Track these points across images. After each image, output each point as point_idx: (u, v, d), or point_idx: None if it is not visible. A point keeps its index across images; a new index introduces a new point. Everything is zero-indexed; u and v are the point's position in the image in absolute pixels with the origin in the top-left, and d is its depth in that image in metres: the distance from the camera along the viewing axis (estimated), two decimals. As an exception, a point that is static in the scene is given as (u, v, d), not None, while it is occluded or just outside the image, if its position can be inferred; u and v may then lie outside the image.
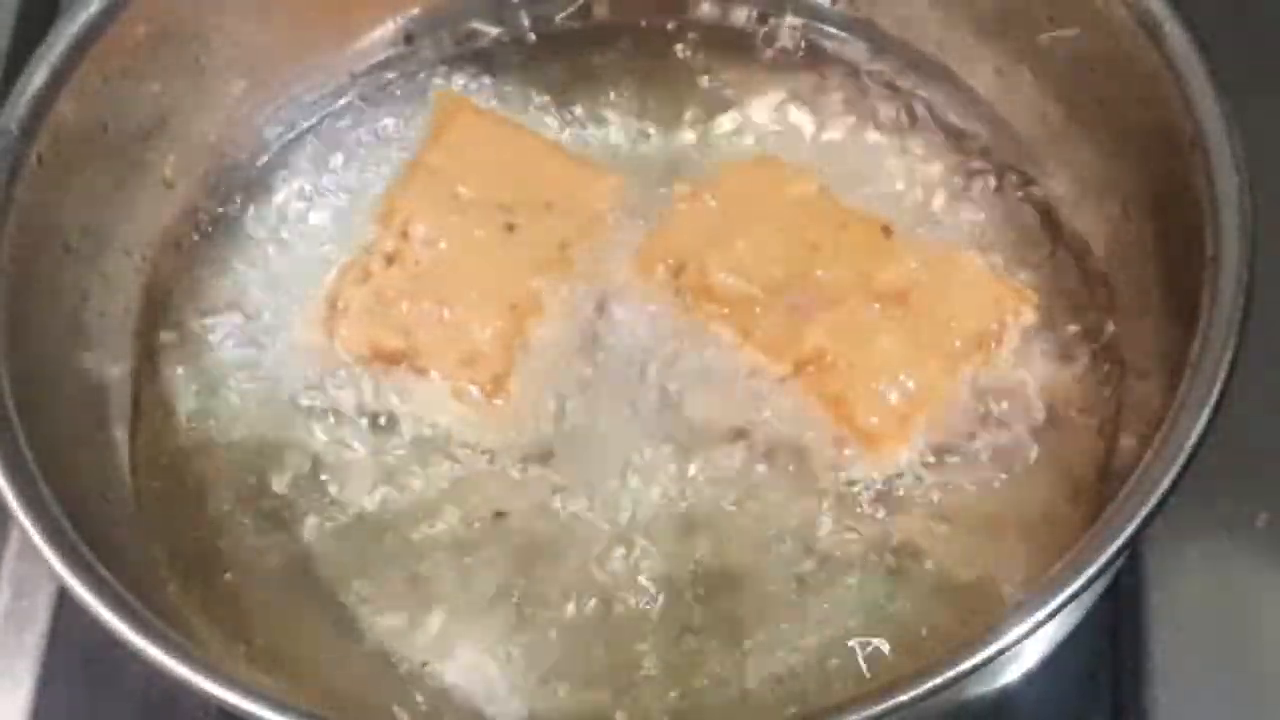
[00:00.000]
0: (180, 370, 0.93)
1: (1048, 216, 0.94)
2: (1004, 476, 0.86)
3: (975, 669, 0.68)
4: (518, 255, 0.91)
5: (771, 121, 0.98)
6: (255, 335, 0.93)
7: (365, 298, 0.90)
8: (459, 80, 1.01)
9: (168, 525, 0.88)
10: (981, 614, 0.79)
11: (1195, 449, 0.72)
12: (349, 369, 0.91)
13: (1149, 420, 0.78)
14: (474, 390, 0.89)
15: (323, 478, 0.89)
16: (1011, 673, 0.85)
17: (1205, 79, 0.81)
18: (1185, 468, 0.72)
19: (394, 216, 0.92)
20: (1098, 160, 0.91)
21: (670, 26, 1.02)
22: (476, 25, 1.03)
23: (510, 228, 0.92)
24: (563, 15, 1.03)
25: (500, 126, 0.97)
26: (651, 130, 0.99)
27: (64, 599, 0.91)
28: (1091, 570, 0.70)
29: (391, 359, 0.90)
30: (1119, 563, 0.75)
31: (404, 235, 0.91)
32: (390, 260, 0.91)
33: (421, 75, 1.02)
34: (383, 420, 0.89)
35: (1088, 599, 0.80)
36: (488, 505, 0.87)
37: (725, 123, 0.99)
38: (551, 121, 0.99)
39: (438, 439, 0.89)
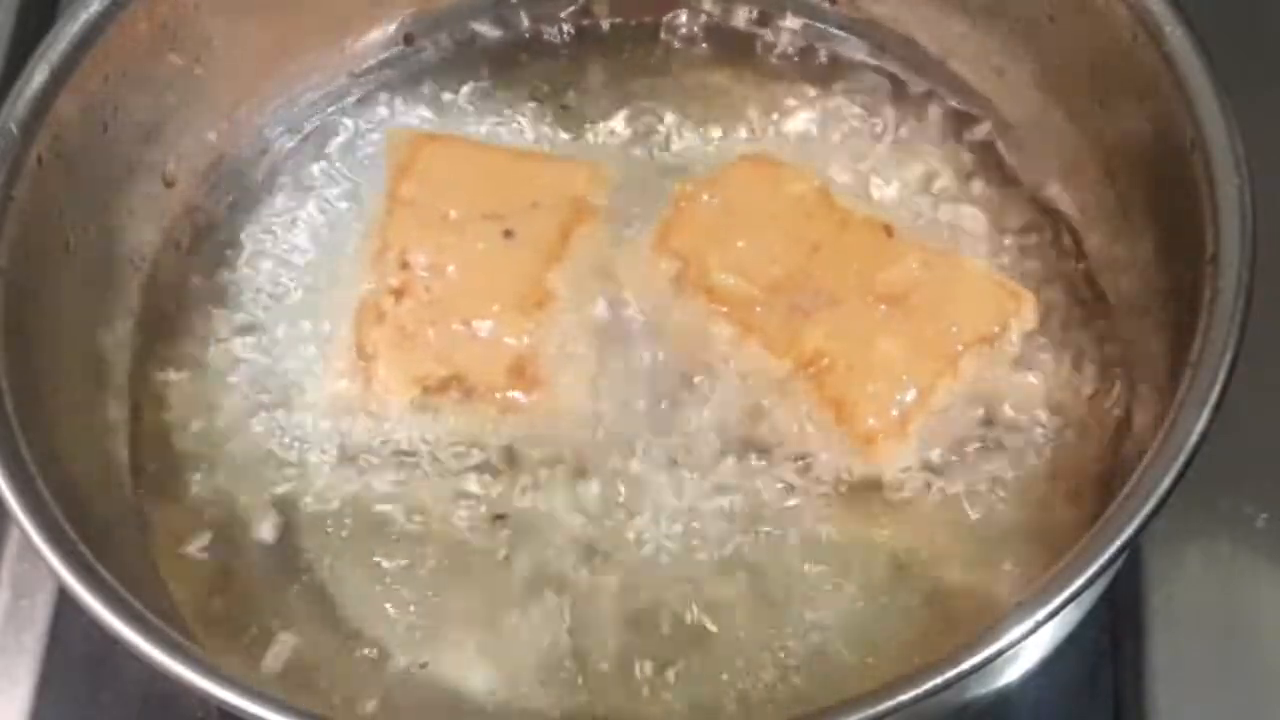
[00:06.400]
0: (181, 373, 0.93)
1: (1048, 217, 0.94)
2: (1004, 477, 0.86)
3: (975, 669, 0.68)
4: (525, 257, 0.91)
5: (771, 121, 0.98)
6: (257, 338, 0.93)
7: (391, 336, 0.89)
8: (455, 82, 1.01)
9: (167, 525, 0.88)
10: (981, 615, 0.79)
11: (1195, 449, 0.72)
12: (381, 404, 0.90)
13: (1149, 420, 0.79)
14: (521, 398, 0.88)
15: (330, 483, 0.89)
16: (1011, 673, 0.85)
17: (1205, 79, 0.81)
18: (1185, 468, 0.72)
19: (387, 252, 0.91)
20: (1098, 160, 0.91)
21: (670, 26, 1.02)
22: (476, 25, 1.03)
23: (508, 234, 0.92)
24: (563, 15, 1.03)
25: (461, 146, 0.96)
26: (651, 129, 0.99)
27: (64, 599, 0.91)
28: (1091, 570, 0.70)
29: (438, 389, 0.89)
30: (1119, 563, 0.75)
31: (404, 267, 0.91)
32: (399, 295, 0.90)
33: (421, 76, 1.02)
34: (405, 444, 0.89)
35: (1088, 599, 0.80)
36: (493, 507, 0.87)
37: (725, 122, 0.99)
38: (550, 121, 0.99)
39: (465, 451, 0.89)
